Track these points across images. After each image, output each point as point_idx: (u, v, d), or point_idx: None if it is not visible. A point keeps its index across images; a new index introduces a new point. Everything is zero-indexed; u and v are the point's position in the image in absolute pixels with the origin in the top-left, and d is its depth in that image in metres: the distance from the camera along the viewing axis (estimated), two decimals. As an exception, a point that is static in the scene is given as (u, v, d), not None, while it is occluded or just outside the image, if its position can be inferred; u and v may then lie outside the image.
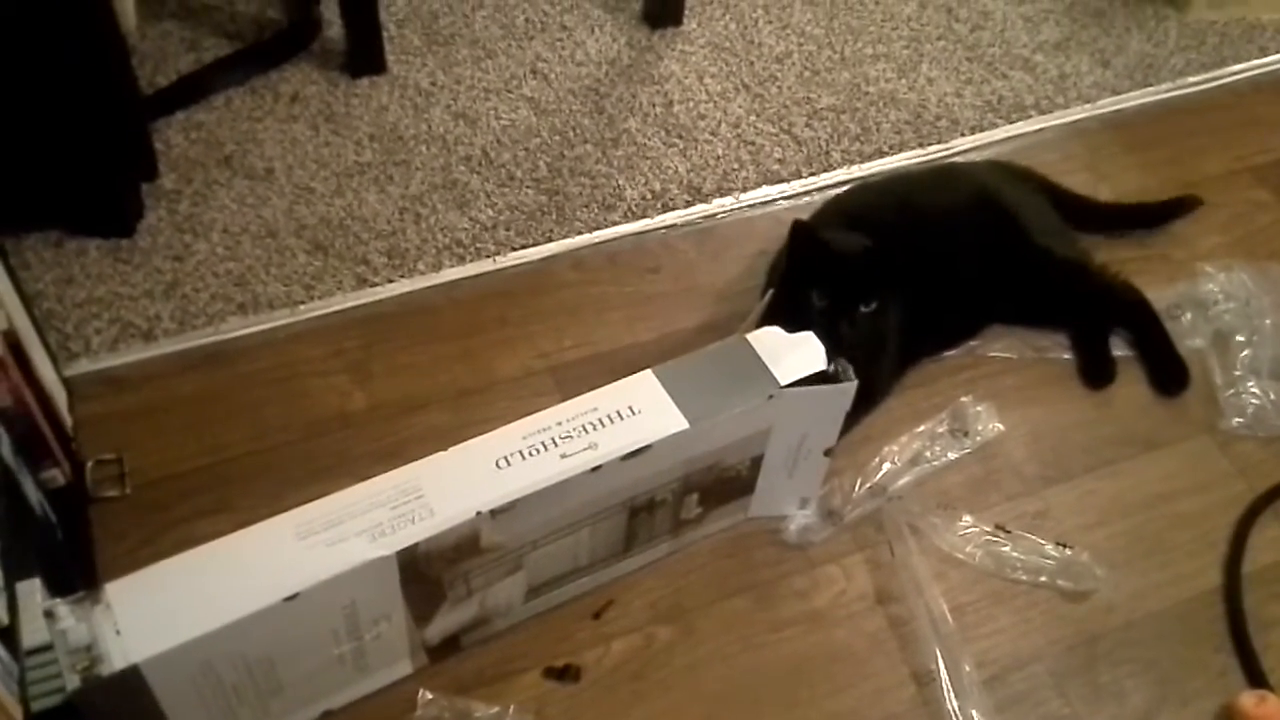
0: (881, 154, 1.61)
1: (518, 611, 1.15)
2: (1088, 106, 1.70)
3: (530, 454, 1.02)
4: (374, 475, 1.01)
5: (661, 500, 1.14)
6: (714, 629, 1.18)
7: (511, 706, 1.09)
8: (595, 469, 1.02)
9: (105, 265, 1.40)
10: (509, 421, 1.06)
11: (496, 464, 1.02)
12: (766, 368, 1.10)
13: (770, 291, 1.29)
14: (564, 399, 1.29)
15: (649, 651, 1.16)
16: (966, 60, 1.75)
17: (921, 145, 1.63)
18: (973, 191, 1.43)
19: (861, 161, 1.60)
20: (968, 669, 1.14)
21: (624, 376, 1.33)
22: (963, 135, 1.65)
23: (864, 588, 1.22)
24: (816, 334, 1.22)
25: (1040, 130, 1.67)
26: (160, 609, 0.91)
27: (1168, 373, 1.40)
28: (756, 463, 1.18)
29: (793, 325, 1.21)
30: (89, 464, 1.24)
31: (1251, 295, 1.43)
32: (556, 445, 1.03)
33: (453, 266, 1.44)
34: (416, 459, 1.02)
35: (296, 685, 1.02)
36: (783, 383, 1.09)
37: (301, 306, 1.39)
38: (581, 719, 1.11)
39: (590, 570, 1.17)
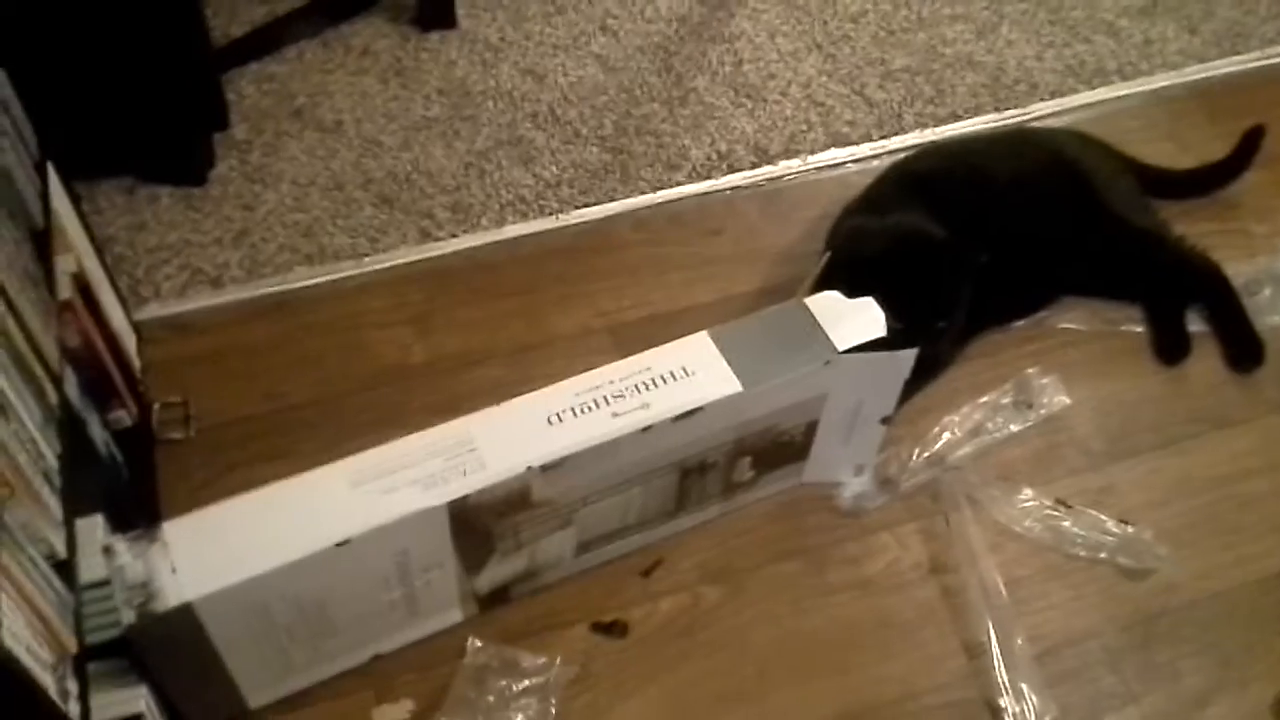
0: (956, 118, 1.58)
1: (567, 565, 1.16)
2: (1172, 74, 1.64)
3: (582, 411, 1.03)
4: (430, 427, 1.03)
5: (713, 462, 1.13)
6: (763, 591, 1.18)
7: (558, 658, 1.10)
8: (646, 429, 1.02)
9: (176, 213, 1.43)
10: (565, 379, 1.06)
11: (549, 420, 1.02)
12: (824, 333, 1.09)
13: (827, 255, 1.27)
14: (621, 358, 1.30)
15: (697, 610, 1.16)
16: (1048, 23, 1.70)
17: (998, 110, 1.59)
18: (1047, 157, 1.40)
19: (935, 125, 1.57)
20: (1020, 642, 1.12)
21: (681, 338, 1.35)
22: (1042, 100, 1.60)
23: (918, 557, 1.20)
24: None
25: (1122, 97, 1.62)
26: (215, 549, 0.93)
27: (1243, 349, 1.36)
28: (811, 428, 1.17)
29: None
30: (155, 406, 1.27)
31: (1334, 272, 1.38)
32: (609, 403, 1.03)
33: (515, 223, 1.45)
34: (472, 412, 1.03)
35: (348, 628, 1.04)
36: (840, 348, 1.08)
37: (366, 259, 1.40)
38: (627, 673, 1.12)
39: (640, 529, 1.17)
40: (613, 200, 1.48)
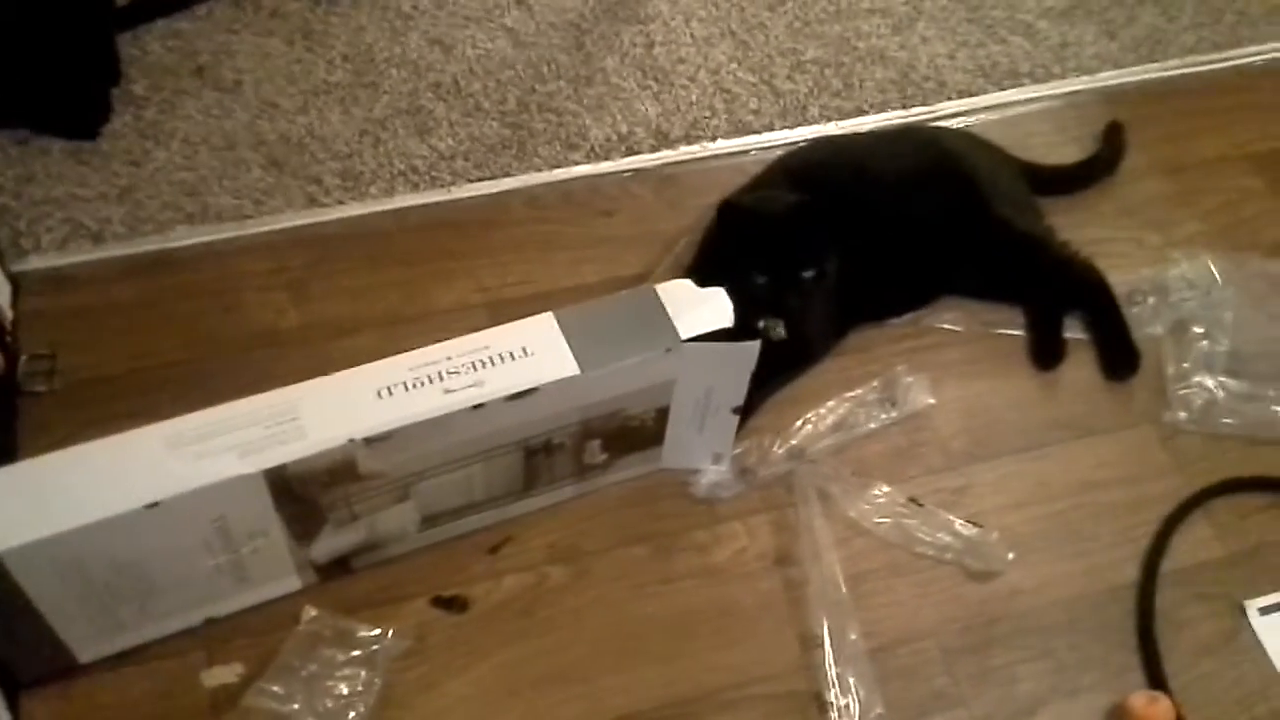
0: (861, 112, 1.57)
1: (412, 539, 1.16)
2: (1085, 78, 1.63)
3: (414, 386, 1.03)
4: None
5: (560, 444, 1.13)
6: (608, 574, 1.18)
7: (391, 630, 1.11)
8: (478, 406, 1.03)
9: (65, 166, 1.42)
10: None
11: (378, 393, 1.02)
12: (670, 320, 1.09)
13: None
14: None
15: (539, 590, 1.17)
16: (966, 21, 1.69)
17: (905, 106, 1.58)
18: (933, 154, 1.40)
19: (839, 119, 1.56)
20: (853, 637, 1.12)
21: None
22: (949, 99, 1.59)
23: (765, 548, 1.21)
24: (763, 310, 1.22)
25: (1031, 100, 1.61)
26: (27, 504, 0.93)
27: (1118, 358, 1.36)
28: (663, 414, 1.17)
29: (737, 304, 1.21)
30: (22, 358, 1.27)
31: (1215, 286, 1.38)
32: (442, 379, 1.03)
33: (405, 193, 1.44)
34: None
35: (173, 589, 1.04)
36: (684, 336, 1.08)
37: (250, 221, 1.40)
38: (461, 649, 1.12)
39: (488, 506, 1.17)
40: (507, 176, 1.47)
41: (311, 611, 1.12)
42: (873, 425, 1.29)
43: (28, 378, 1.27)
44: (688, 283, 1.12)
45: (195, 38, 1.57)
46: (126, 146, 1.44)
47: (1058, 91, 1.62)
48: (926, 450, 1.29)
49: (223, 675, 1.09)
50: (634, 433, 1.17)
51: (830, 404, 1.30)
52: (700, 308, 1.10)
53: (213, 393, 1.22)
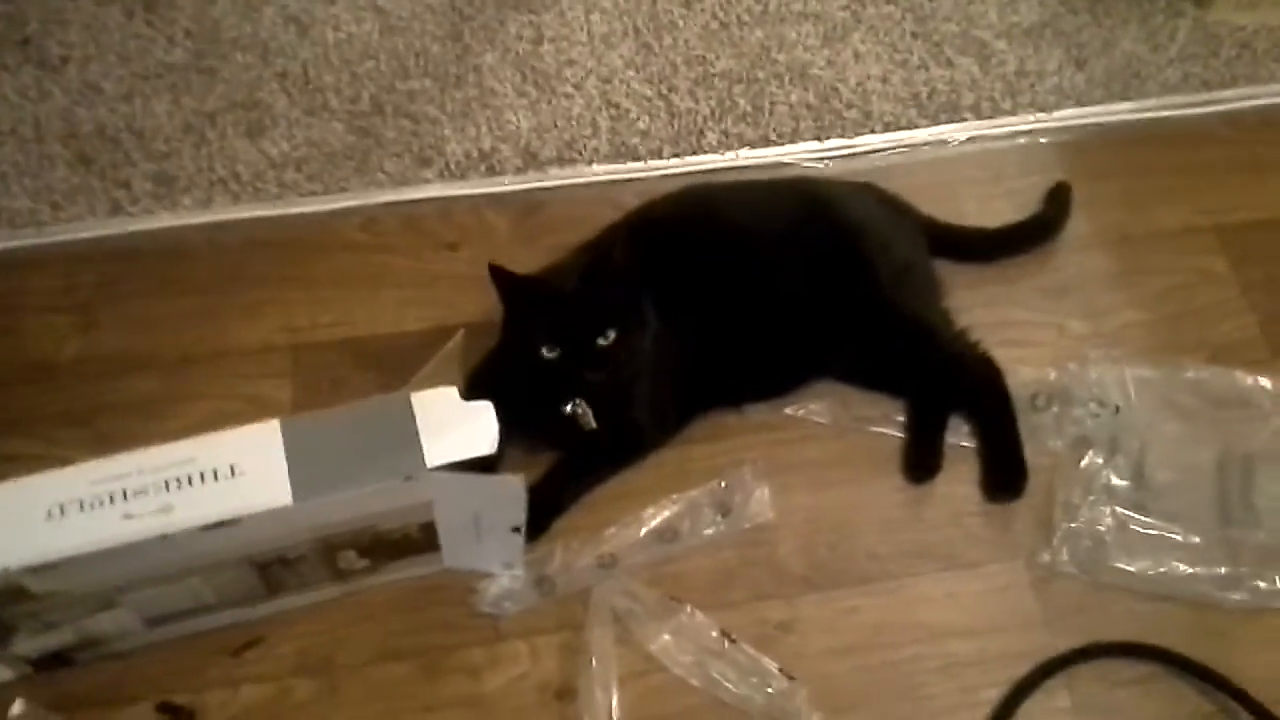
0: (768, 142, 1.36)
1: (141, 635, 1.03)
2: (1038, 116, 1.39)
3: (92, 506, 0.88)
4: (58, 439, 1.00)
5: (298, 556, 0.99)
6: (360, 694, 1.05)
7: (99, 745, 1.00)
8: (165, 537, 0.88)
9: None
10: (220, 401, 1.00)
11: (49, 513, 0.88)
12: (418, 441, 0.93)
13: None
14: (295, 385, 1.16)
15: (280, 706, 1.04)
16: (911, 34, 1.45)
17: (819, 138, 1.37)
18: (814, 211, 1.20)
19: (740, 147, 1.36)
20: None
21: (375, 369, 1.19)
22: (872, 132, 1.37)
23: (549, 676, 1.06)
24: (565, 392, 1.06)
25: (970, 140, 1.38)
26: None
27: (1001, 476, 1.17)
28: (428, 528, 1.02)
29: (528, 383, 1.05)
30: None
31: (1128, 401, 1.17)
32: (126, 500, 0.88)
33: (224, 205, 1.28)
34: (107, 429, 0.94)
35: None
36: (431, 464, 0.92)
37: (46, 228, 1.26)
38: (176, 772, 1.01)
39: (227, 607, 1.03)
40: (344, 191, 1.30)
41: (22, 705, 1.00)
42: (706, 533, 1.13)
43: None
44: (452, 393, 0.96)
45: (28, 3, 1.40)
46: (-79, 128, 1.29)
47: (1002, 130, 1.39)
48: (757, 571, 1.12)
49: (-89, 775, 0.99)
50: (396, 544, 1.02)
51: (656, 506, 1.13)
52: (458, 428, 0.94)
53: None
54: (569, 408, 1.09)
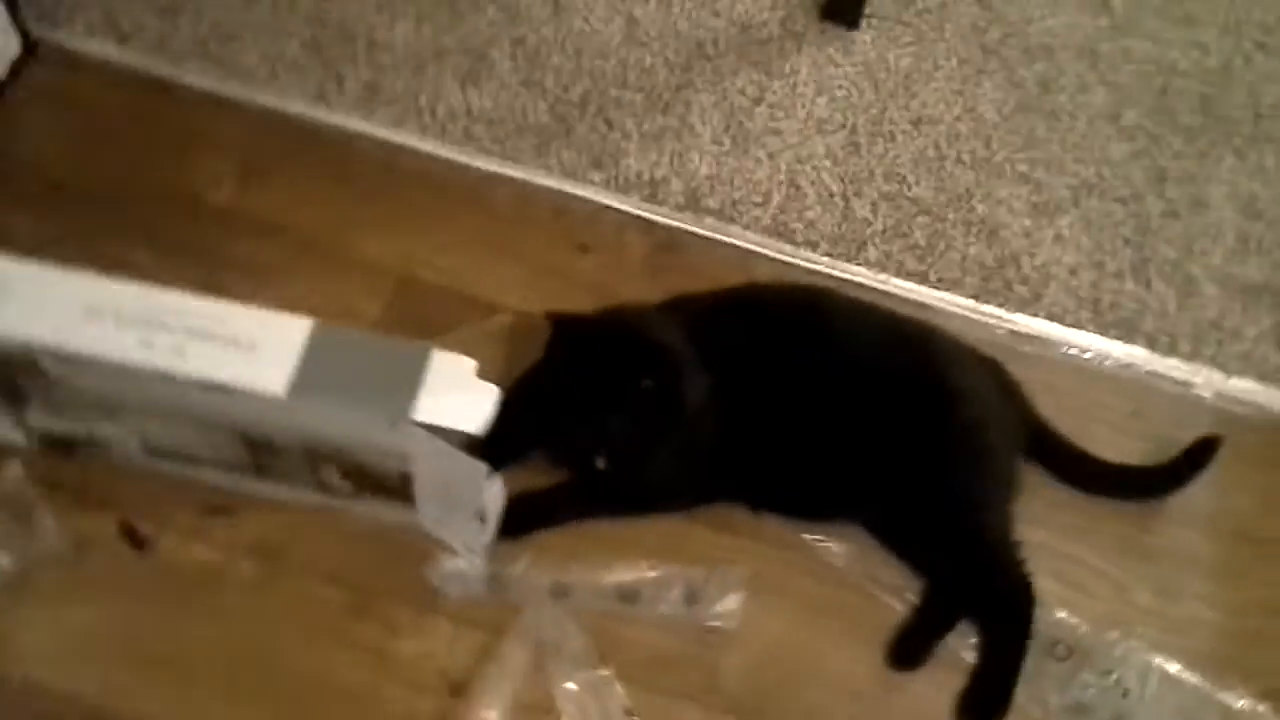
0: (925, 280, 1.32)
1: (137, 459, 1.10)
2: (1215, 375, 1.28)
3: (123, 322, 0.96)
4: (169, 265, 1.06)
5: (282, 449, 1.04)
6: (289, 599, 1.08)
7: (60, 531, 1.07)
8: (166, 377, 0.94)
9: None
10: (316, 293, 1.02)
11: (88, 310, 0.96)
12: (416, 392, 0.95)
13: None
14: (385, 309, 1.22)
15: (219, 576, 1.09)
16: (1123, 240, 1.36)
17: (976, 297, 1.31)
18: (924, 364, 1.15)
19: (894, 274, 1.32)
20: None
21: (457, 326, 1.22)
22: (1033, 315, 1.31)
23: (455, 668, 1.06)
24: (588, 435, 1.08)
25: (1128, 365, 1.29)
26: None
27: (982, 705, 1.07)
28: (406, 479, 1.04)
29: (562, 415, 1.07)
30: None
31: (1140, 695, 1.06)
32: (150, 329, 0.95)
33: (410, 131, 1.35)
34: (212, 275, 1.02)
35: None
36: (415, 417, 0.95)
37: (257, 87, 1.37)
38: (102, 582, 1.08)
39: (215, 468, 1.09)
40: (515, 162, 1.35)
41: (15, 468, 1.10)
42: (662, 609, 1.11)
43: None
44: (469, 365, 0.98)
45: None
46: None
47: (1169, 372, 1.29)
48: (693, 671, 1.09)
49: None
50: (377, 480, 1.06)
51: (633, 564, 1.12)
52: (458, 397, 0.96)
53: (111, 230, 1.22)
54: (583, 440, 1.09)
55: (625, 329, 1.09)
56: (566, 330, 1.08)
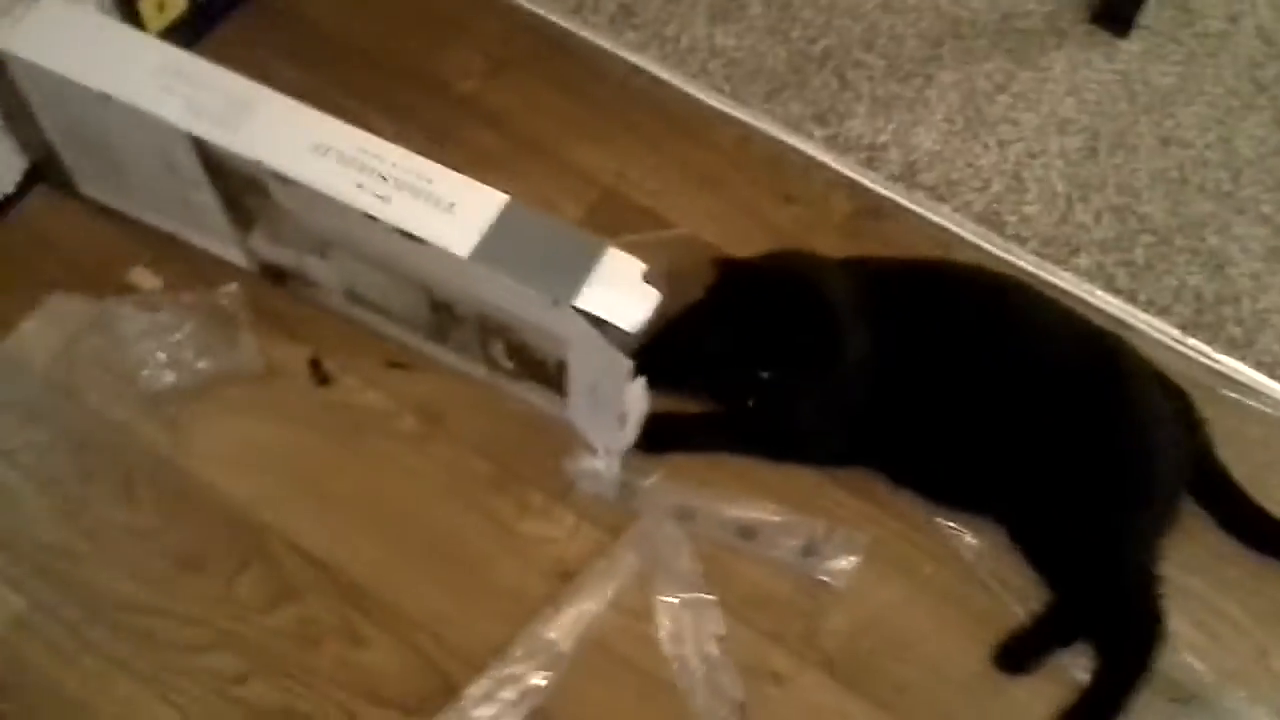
0: (1134, 299, 1.26)
1: (340, 302, 1.20)
2: None
3: (344, 162, 1.04)
4: (408, 134, 1.11)
5: (462, 316, 1.10)
6: (440, 460, 1.16)
7: (258, 353, 1.18)
8: (370, 216, 1.02)
9: None
10: (527, 189, 1.04)
11: (316, 146, 1.05)
12: (584, 280, 1.00)
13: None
14: (586, 214, 1.28)
15: (384, 423, 1.17)
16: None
17: (1184, 328, 1.24)
18: (1107, 378, 1.11)
19: (1102, 288, 1.27)
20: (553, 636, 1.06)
21: (641, 235, 1.26)
22: (1241, 359, 1.23)
23: (569, 555, 1.11)
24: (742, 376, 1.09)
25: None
26: (60, 37, 1.08)
27: (1081, 726, 1.05)
28: (561, 367, 1.09)
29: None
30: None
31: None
32: (367, 175, 1.03)
33: (651, 57, 1.40)
34: (441, 154, 1.06)
35: (142, 188, 1.18)
36: (576, 303, 0.99)
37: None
38: (289, 407, 1.17)
39: (404, 323, 1.17)
40: (743, 104, 1.37)
41: (232, 287, 1.21)
42: (776, 554, 1.12)
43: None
44: (639, 266, 1.01)
45: None
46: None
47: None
48: (793, 618, 1.09)
49: (147, 280, 1.23)
50: (538, 366, 1.11)
51: (761, 504, 1.14)
52: (621, 292, 1.00)
53: (347, 89, 1.32)
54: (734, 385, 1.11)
55: (794, 279, 1.10)
56: (732, 275, 1.09)
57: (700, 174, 1.34)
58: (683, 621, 1.08)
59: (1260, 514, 1.13)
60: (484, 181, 1.05)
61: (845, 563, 1.11)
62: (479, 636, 1.06)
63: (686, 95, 1.39)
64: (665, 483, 1.14)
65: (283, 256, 1.18)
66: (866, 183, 1.33)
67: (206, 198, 1.14)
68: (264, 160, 1.04)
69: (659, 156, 1.35)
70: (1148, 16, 1.46)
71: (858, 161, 1.34)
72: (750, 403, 1.11)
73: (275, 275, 1.22)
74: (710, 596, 1.09)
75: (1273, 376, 1.23)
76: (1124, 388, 1.11)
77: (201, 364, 1.17)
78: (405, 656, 1.06)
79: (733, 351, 1.08)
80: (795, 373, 1.07)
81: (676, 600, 1.08)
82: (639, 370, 1.03)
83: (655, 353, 1.03)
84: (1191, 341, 1.25)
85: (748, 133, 1.37)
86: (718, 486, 1.14)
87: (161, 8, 1.31)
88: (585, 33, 1.42)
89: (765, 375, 1.07)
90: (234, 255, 1.22)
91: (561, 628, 1.06)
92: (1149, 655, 1.05)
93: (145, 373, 1.16)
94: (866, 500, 1.15)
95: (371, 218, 1.02)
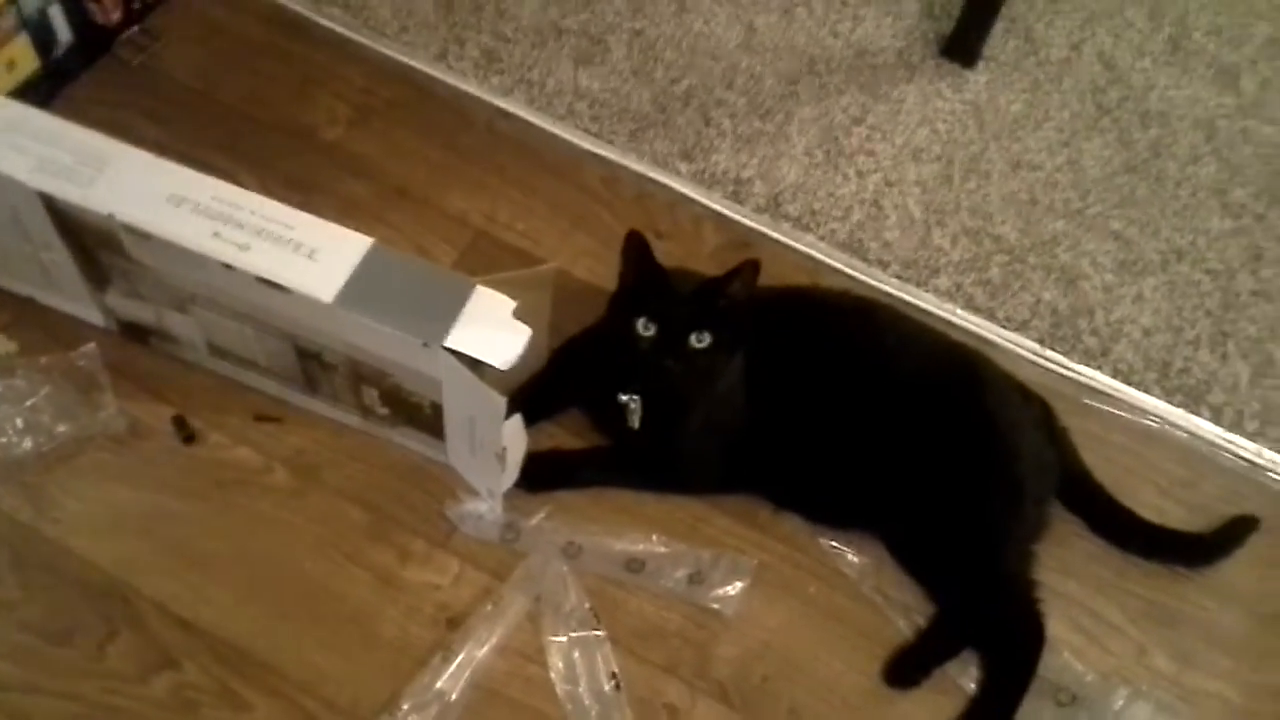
0: (992, 317, 1.31)
1: (203, 357, 1.17)
2: (1276, 458, 1.24)
3: (200, 212, 1.02)
4: (271, 189, 1.11)
5: (331, 364, 1.09)
6: (315, 511, 1.14)
7: (116, 413, 1.14)
8: (228, 266, 1.00)
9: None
10: (398, 235, 1.07)
11: (170, 197, 1.03)
12: (454, 320, 0.99)
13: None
14: (459, 259, 1.27)
15: (255, 479, 1.15)
16: (1205, 311, 1.33)
17: (1042, 341, 1.29)
18: (968, 391, 1.14)
19: (961, 307, 1.31)
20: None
21: (509, 274, 1.25)
22: (1098, 369, 1.28)
23: (455, 601, 1.10)
24: (629, 375, 1.09)
25: (1190, 435, 1.25)
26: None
27: (976, 735, 1.07)
28: (438, 410, 1.08)
29: (616, 356, 1.09)
30: (134, 28, 1.41)
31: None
32: (224, 222, 1.02)
33: (517, 100, 1.41)
34: (306, 202, 1.05)
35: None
36: (448, 344, 0.98)
37: (385, 39, 1.44)
38: (151, 467, 1.14)
39: (272, 375, 1.15)
40: (609, 143, 1.39)
41: (90, 347, 1.17)
42: (665, 584, 1.12)
43: (123, 44, 1.40)
44: (509, 304, 1.01)
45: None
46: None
47: (1230, 445, 1.25)
48: (685, 649, 1.09)
49: (3, 345, 1.19)
50: (413, 408, 1.10)
51: (645, 536, 1.14)
52: (493, 330, 0.99)
53: (223, 139, 1.29)
54: (624, 397, 1.11)
55: (687, 284, 1.11)
56: (638, 250, 1.09)
57: (571, 213, 1.35)
58: (574, 660, 1.07)
59: (1127, 515, 1.18)
60: (352, 229, 1.04)
61: (732, 589, 1.11)
62: (365, 692, 1.04)
63: (554, 136, 1.40)
64: (550, 521, 1.14)
65: (142, 313, 1.15)
66: (734, 215, 1.36)
67: (59, 257, 1.10)
68: (115, 213, 1.01)
69: (529, 198, 1.35)
70: (993, 48, 1.53)
71: (724, 195, 1.37)
72: (635, 421, 1.11)
73: (135, 333, 1.18)
74: (600, 633, 1.08)
75: (1130, 384, 1.28)
76: (985, 399, 1.15)
77: (61, 428, 1.13)
78: (289, 719, 1.03)
79: (667, 316, 1.07)
80: (723, 337, 1.07)
81: (566, 639, 1.07)
82: (522, 403, 1.02)
83: (541, 379, 1.05)
84: (1050, 354, 1.29)
85: (616, 171, 1.38)
86: (603, 522, 1.14)
87: (11, 66, 1.28)
88: (450, 79, 1.42)
89: (696, 343, 1.06)
90: (92, 315, 1.19)
91: (451, 677, 1.04)
92: (1033, 661, 1.08)
93: (2, 440, 1.12)
94: (750, 526, 1.16)
95: (229, 267, 1.00)
